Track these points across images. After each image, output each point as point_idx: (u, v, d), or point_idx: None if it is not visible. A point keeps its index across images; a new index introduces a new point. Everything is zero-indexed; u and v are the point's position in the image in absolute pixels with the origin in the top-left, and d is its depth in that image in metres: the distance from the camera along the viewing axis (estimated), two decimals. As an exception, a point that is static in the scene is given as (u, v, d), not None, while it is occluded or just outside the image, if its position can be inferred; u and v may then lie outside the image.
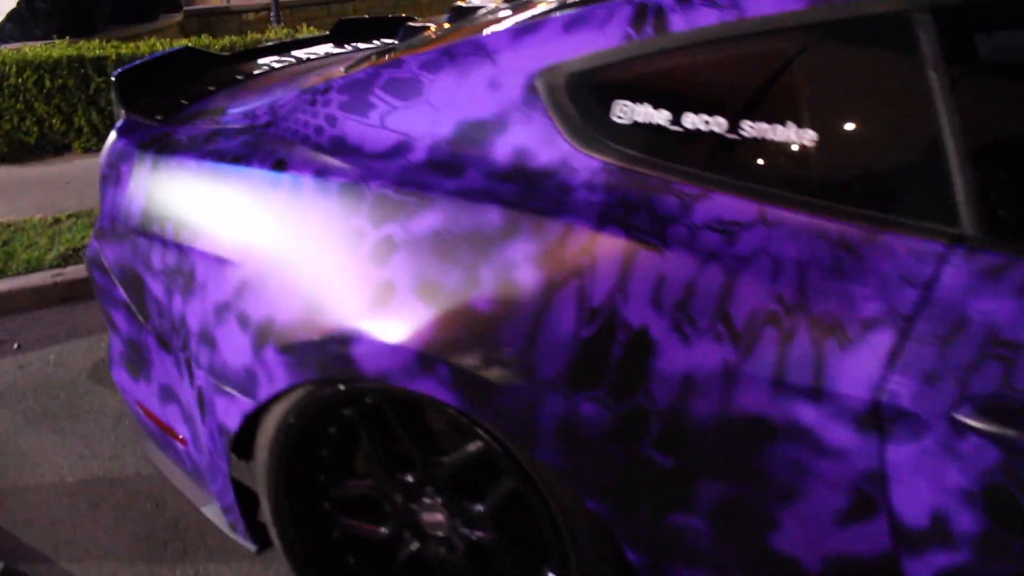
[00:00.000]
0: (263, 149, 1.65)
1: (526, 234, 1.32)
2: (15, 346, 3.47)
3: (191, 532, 2.28)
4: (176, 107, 2.10)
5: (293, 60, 2.52)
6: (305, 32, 7.64)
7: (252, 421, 1.66)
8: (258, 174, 1.60)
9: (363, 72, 1.67)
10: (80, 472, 2.59)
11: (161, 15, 9.78)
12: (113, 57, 6.29)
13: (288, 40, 2.82)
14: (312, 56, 2.56)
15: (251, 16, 11.84)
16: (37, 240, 4.34)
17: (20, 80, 6.09)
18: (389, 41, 2.75)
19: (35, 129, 6.25)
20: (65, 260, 4.09)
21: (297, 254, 1.52)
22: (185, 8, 11.15)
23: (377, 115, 1.58)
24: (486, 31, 1.55)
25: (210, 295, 1.64)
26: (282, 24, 9.99)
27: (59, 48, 6.47)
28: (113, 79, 2.09)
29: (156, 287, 1.79)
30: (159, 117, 2.00)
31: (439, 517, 1.62)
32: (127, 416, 2.83)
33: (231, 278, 1.60)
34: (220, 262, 1.63)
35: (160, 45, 6.74)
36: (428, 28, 2.37)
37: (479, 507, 1.56)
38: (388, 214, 1.43)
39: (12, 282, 3.89)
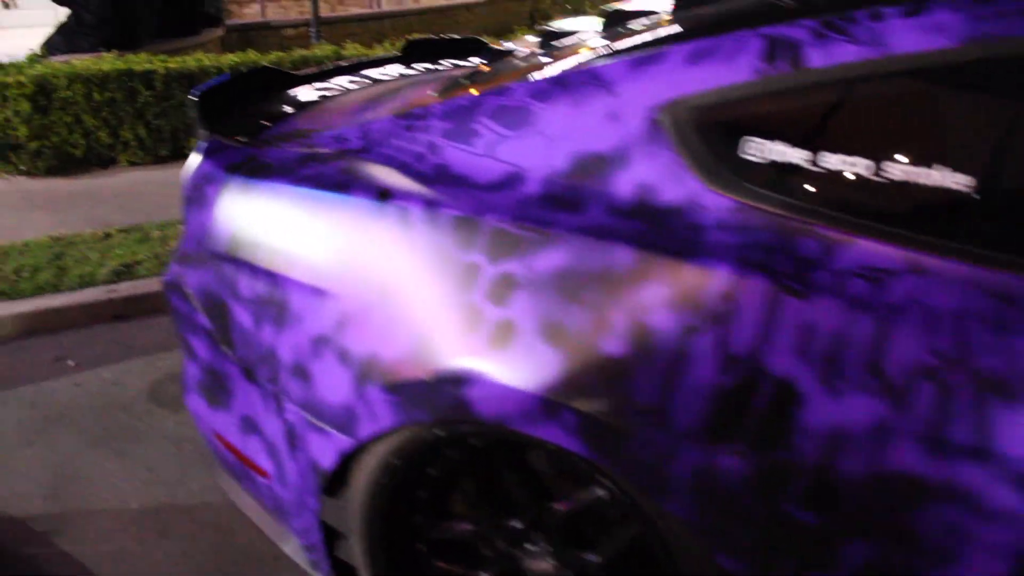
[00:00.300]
0: (362, 176, 1.60)
1: (659, 275, 1.26)
2: (70, 363, 3.44)
3: (264, 565, 2.22)
4: (257, 128, 2.06)
5: (368, 81, 2.48)
6: (350, 49, 7.63)
7: (346, 459, 1.60)
8: (360, 203, 1.55)
9: (465, 98, 1.62)
10: (145, 498, 2.54)
11: (203, 30, 9.84)
12: (161, 71, 6.33)
13: (357, 59, 2.78)
14: (386, 77, 2.53)
15: (291, 31, 11.91)
16: (88, 255, 4.32)
17: (70, 92, 6.12)
18: (461, 63, 2.72)
19: (82, 142, 6.27)
20: (118, 276, 4.06)
21: (404, 288, 1.46)
22: (226, 23, 11.22)
23: (483, 144, 1.53)
24: (598, 60, 1.50)
25: (306, 327, 1.59)
26: (323, 40, 10.03)
27: (108, 61, 6.51)
28: (194, 98, 2.05)
29: (243, 315, 1.74)
30: (241, 138, 1.96)
31: (546, 565, 1.56)
32: (190, 440, 2.78)
33: (330, 310, 1.55)
34: (317, 293, 1.57)
35: (206, 59, 6.77)
36: (513, 52, 2.33)
37: (593, 557, 1.49)
38: (506, 250, 1.38)
39: (66, 297, 3.87)
